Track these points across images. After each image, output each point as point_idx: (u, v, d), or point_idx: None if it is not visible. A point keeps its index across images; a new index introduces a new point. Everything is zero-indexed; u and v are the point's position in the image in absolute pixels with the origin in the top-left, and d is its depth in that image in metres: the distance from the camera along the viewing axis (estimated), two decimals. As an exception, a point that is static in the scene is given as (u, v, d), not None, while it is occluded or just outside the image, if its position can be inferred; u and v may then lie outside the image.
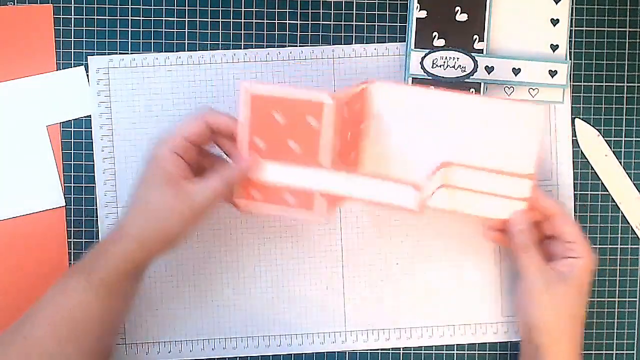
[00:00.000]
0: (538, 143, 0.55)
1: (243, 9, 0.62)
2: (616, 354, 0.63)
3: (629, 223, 0.63)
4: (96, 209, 0.61)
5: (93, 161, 0.61)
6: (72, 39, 0.61)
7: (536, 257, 0.54)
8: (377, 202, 0.51)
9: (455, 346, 0.63)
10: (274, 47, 0.62)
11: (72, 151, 0.61)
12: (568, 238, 0.54)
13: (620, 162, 0.63)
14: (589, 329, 0.63)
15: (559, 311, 0.53)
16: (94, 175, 0.61)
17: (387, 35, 0.62)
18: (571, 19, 0.62)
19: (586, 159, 0.63)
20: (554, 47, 0.61)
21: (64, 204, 0.61)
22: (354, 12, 0.62)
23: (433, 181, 0.54)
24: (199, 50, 0.61)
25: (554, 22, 0.61)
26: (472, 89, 0.60)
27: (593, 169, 0.63)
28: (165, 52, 0.61)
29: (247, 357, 0.62)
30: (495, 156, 0.55)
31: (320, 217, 0.53)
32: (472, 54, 0.60)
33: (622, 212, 0.63)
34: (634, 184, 0.63)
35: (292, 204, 0.53)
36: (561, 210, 0.56)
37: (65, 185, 0.61)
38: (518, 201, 0.55)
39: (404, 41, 0.62)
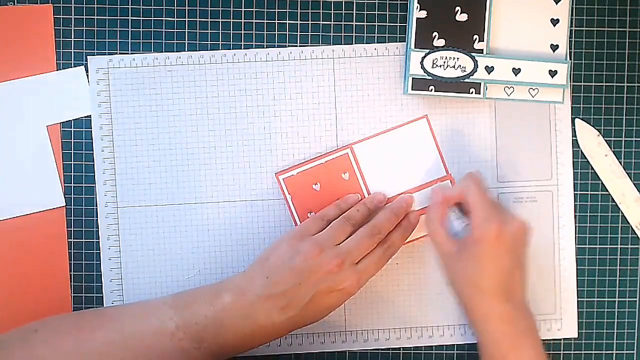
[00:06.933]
0: (437, 148, 0.61)
1: (243, 9, 0.62)
2: (616, 354, 0.63)
3: (629, 223, 0.63)
4: (96, 209, 0.61)
5: (93, 161, 0.61)
6: (72, 39, 0.61)
7: (439, 230, 0.57)
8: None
9: (455, 346, 0.63)
10: (274, 47, 0.62)
11: (72, 151, 0.61)
12: (471, 214, 0.56)
13: (620, 162, 0.63)
14: (588, 329, 0.63)
15: (459, 276, 0.56)
16: (94, 175, 0.61)
17: (387, 35, 0.62)
18: (571, 19, 0.62)
19: (586, 159, 0.63)
20: (554, 47, 0.61)
21: (64, 204, 0.61)
22: (354, 12, 0.62)
23: None
24: (199, 50, 0.61)
25: (554, 22, 0.61)
26: (472, 89, 0.60)
27: (593, 169, 0.63)
28: (165, 52, 0.61)
29: (248, 357, 0.62)
30: (413, 175, 0.61)
31: None
32: (472, 54, 0.60)
33: (622, 212, 0.63)
34: (634, 184, 0.63)
35: None
36: (464, 191, 0.56)
37: (65, 185, 0.61)
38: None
39: (404, 41, 0.62)
